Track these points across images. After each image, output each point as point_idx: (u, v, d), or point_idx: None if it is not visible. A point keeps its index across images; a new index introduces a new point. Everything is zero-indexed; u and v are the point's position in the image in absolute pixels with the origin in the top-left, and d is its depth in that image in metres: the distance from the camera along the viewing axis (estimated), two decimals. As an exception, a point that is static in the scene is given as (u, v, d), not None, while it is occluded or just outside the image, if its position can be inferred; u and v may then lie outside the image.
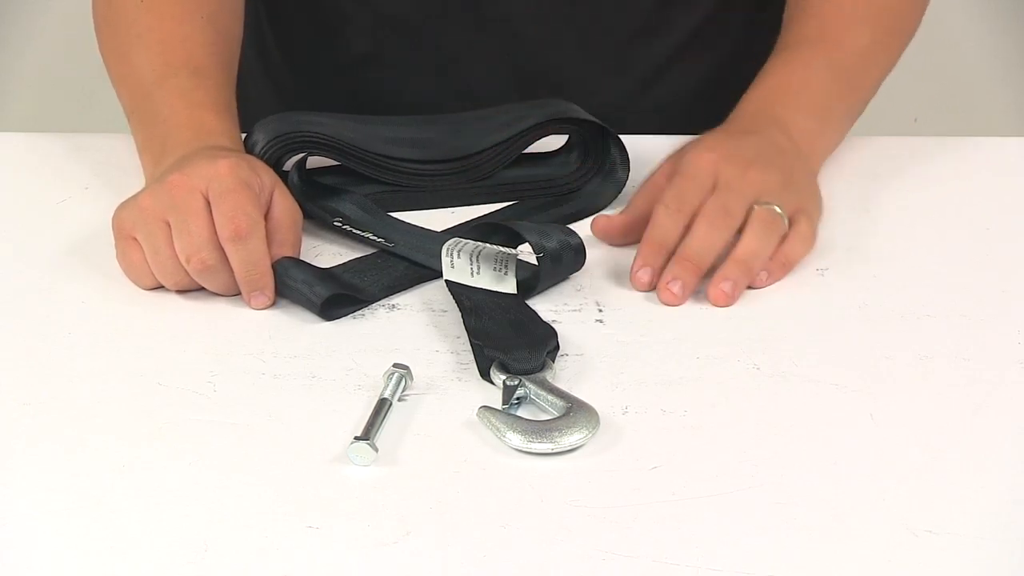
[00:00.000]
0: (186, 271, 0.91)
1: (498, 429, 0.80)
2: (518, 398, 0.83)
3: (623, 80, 1.21)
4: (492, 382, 0.85)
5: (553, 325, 0.89)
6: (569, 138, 1.07)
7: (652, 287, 0.94)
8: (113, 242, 0.94)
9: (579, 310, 0.93)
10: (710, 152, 0.98)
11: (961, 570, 0.72)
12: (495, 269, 0.91)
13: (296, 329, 0.90)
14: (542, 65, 1.18)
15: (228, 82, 1.05)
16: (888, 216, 1.05)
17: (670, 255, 0.95)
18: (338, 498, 0.76)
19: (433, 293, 0.94)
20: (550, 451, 0.79)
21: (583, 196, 1.05)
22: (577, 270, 0.95)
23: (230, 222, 0.90)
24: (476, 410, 0.81)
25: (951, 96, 2.29)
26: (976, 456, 0.80)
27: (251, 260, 0.90)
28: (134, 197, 0.94)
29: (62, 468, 0.78)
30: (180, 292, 0.93)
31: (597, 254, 0.98)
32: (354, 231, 0.98)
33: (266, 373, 0.86)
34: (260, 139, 1.00)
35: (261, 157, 0.98)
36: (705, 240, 0.94)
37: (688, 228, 0.95)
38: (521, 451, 0.79)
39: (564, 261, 0.94)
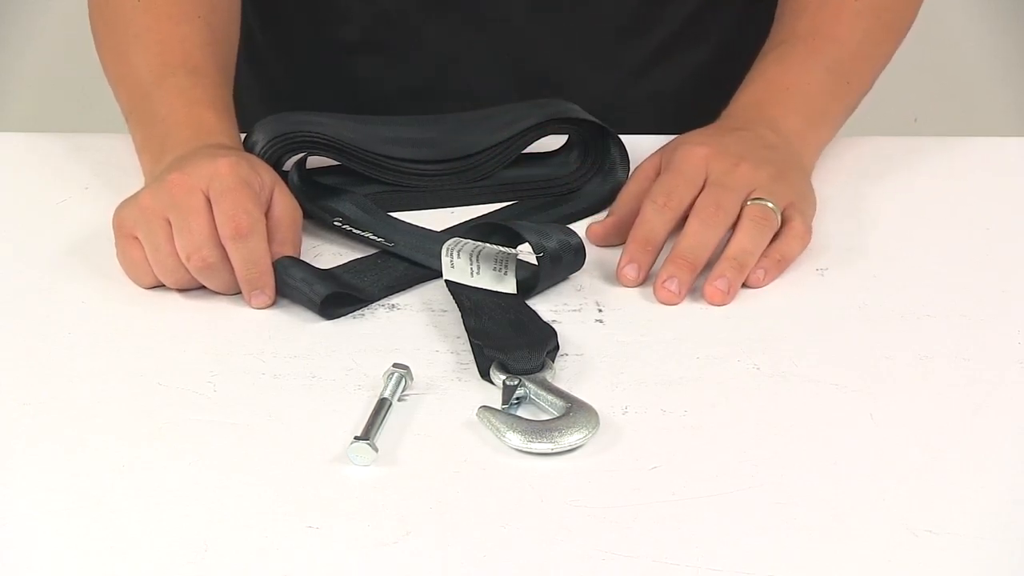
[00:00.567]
0: (187, 269, 0.91)
1: (498, 429, 0.80)
2: (518, 398, 0.83)
3: (614, 74, 1.20)
4: (492, 382, 0.85)
5: (553, 325, 0.89)
6: (569, 138, 1.07)
7: (638, 283, 0.94)
8: (113, 241, 0.94)
9: (579, 310, 0.93)
10: (700, 147, 0.97)
11: (961, 570, 0.72)
12: (495, 269, 0.91)
13: (296, 329, 0.90)
14: (535, 60, 1.18)
15: (226, 81, 1.05)
16: (888, 216, 1.05)
17: (657, 251, 0.95)
18: (338, 498, 0.76)
19: (433, 293, 0.94)
20: (550, 451, 0.79)
21: (583, 196, 1.05)
22: (577, 270, 0.95)
23: (231, 220, 0.90)
24: (476, 410, 0.81)
25: (951, 96, 2.29)
26: (976, 456, 0.80)
27: (252, 259, 0.90)
28: (134, 196, 0.94)
29: (62, 468, 0.78)
30: (180, 291, 0.93)
31: (597, 254, 0.98)
32: (354, 231, 0.98)
33: (266, 373, 0.86)
34: (260, 139, 1.00)
35: (261, 157, 0.98)
36: (698, 238, 0.94)
37: (676, 224, 0.95)
38: (521, 451, 0.79)
39: (564, 261, 0.94)
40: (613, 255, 0.98)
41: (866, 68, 1.11)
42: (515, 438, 0.79)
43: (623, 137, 1.05)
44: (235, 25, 1.11)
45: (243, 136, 1.03)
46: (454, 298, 0.91)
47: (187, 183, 0.91)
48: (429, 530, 0.73)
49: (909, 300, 0.94)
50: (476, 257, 0.91)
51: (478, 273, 0.92)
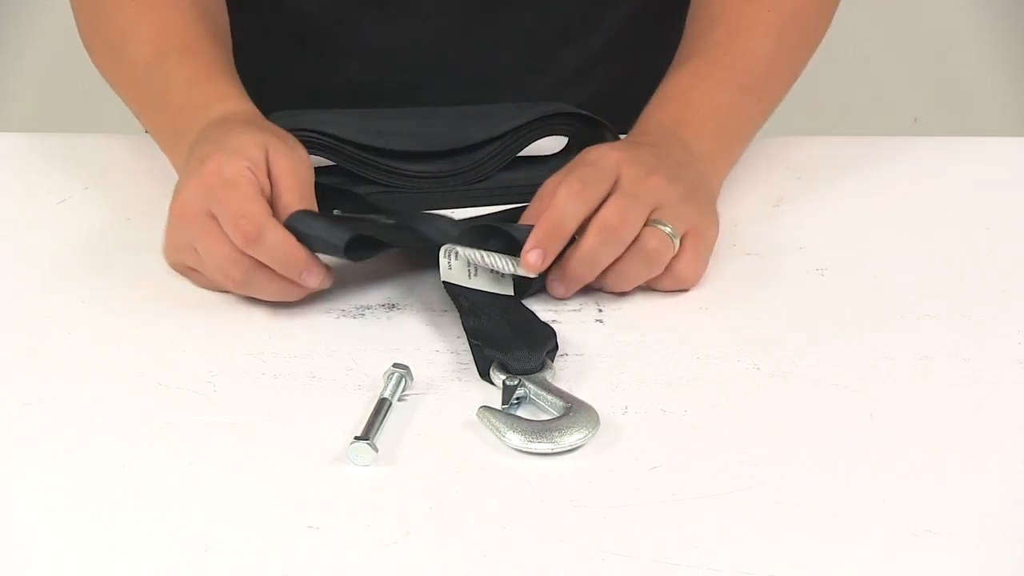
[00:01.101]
0: (278, 247, 0.90)
1: (498, 429, 0.80)
2: (518, 398, 0.83)
3: (551, 78, 1.20)
4: (492, 382, 0.85)
5: (553, 325, 0.89)
6: (569, 141, 1.07)
7: (540, 271, 0.91)
8: (114, 244, 0.94)
9: (579, 310, 0.93)
10: (615, 151, 0.95)
11: (961, 570, 0.72)
12: (492, 271, 0.92)
13: (296, 329, 0.90)
14: (473, 61, 1.18)
15: (218, 48, 1.04)
16: (888, 216, 1.05)
17: (566, 240, 0.91)
18: (338, 498, 0.76)
19: (433, 293, 0.94)
20: (550, 451, 0.79)
21: None
22: None
23: (237, 231, 0.89)
24: (476, 410, 0.81)
25: (951, 96, 2.29)
26: (976, 456, 0.80)
27: (277, 253, 0.89)
28: (165, 231, 0.94)
29: (62, 468, 0.78)
30: (182, 289, 0.93)
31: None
32: (354, 216, 0.97)
33: (266, 373, 0.86)
34: None
35: None
36: (595, 254, 0.91)
37: (588, 216, 0.91)
38: (521, 451, 0.79)
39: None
40: (613, 255, 0.98)
41: (778, 82, 1.08)
42: (515, 438, 0.79)
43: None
44: (224, 13, 1.11)
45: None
46: (452, 299, 0.91)
47: (187, 212, 0.91)
48: (429, 530, 0.73)
49: (909, 300, 0.94)
50: (473, 265, 0.92)
51: (476, 275, 0.92)
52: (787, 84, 1.09)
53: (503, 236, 0.93)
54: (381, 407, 0.81)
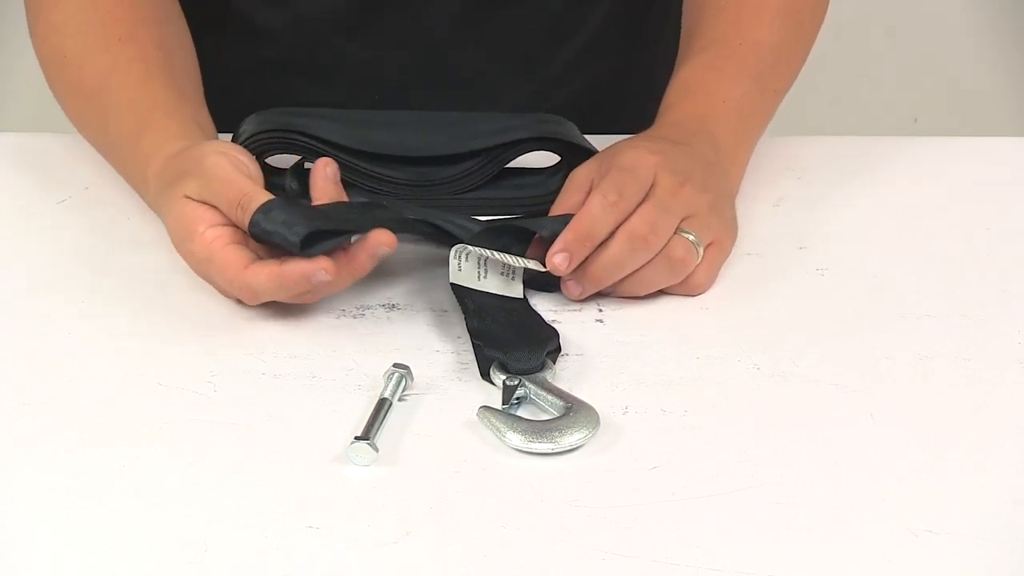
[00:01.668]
0: (270, 290, 0.89)
1: (498, 429, 0.80)
2: (518, 398, 0.84)
3: (536, 80, 1.20)
4: (492, 382, 0.85)
5: (553, 325, 0.90)
6: (560, 160, 1.05)
7: (566, 273, 0.91)
8: (114, 244, 0.94)
9: (579, 310, 0.93)
10: (652, 155, 0.94)
11: (961, 570, 0.72)
12: (502, 274, 0.92)
13: (296, 329, 0.90)
14: (458, 70, 1.17)
15: (173, 74, 1.04)
16: (888, 216, 1.06)
17: (594, 247, 0.91)
18: (338, 498, 0.76)
19: (434, 293, 0.94)
20: (550, 451, 0.79)
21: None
22: None
23: (224, 287, 0.90)
24: (476, 410, 0.81)
25: (951, 96, 2.29)
26: (976, 456, 0.80)
27: (275, 289, 0.88)
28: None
29: (62, 468, 0.78)
30: (190, 288, 0.93)
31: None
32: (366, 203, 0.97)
33: (266, 373, 0.86)
34: (246, 131, 1.00)
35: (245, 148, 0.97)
36: (621, 259, 0.91)
37: (619, 225, 0.91)
38: (521, 451, 0.79)
39: None
40: (613, 255, 0.97)
41: (787, 72, 1.09)
42: (515, 438, 0.79)
43: (599, 138, 1.04)
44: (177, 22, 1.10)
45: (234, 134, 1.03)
46: (458, 301, 0.91)
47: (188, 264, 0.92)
48: (429, 530, 0.73)
49: (909, 300, 0.94)
50: (484, 262, 0.91)
51: (485, 277, 0.92)
52: (793, 75, 1.10)
53: (515, 232, 0.92)
54: (381, 407, 0.81)
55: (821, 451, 0.80)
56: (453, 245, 0.91)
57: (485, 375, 0.85)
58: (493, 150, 1.02)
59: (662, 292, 0.94)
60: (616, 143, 0.98)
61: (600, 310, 0.93)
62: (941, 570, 0.72)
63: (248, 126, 1.01)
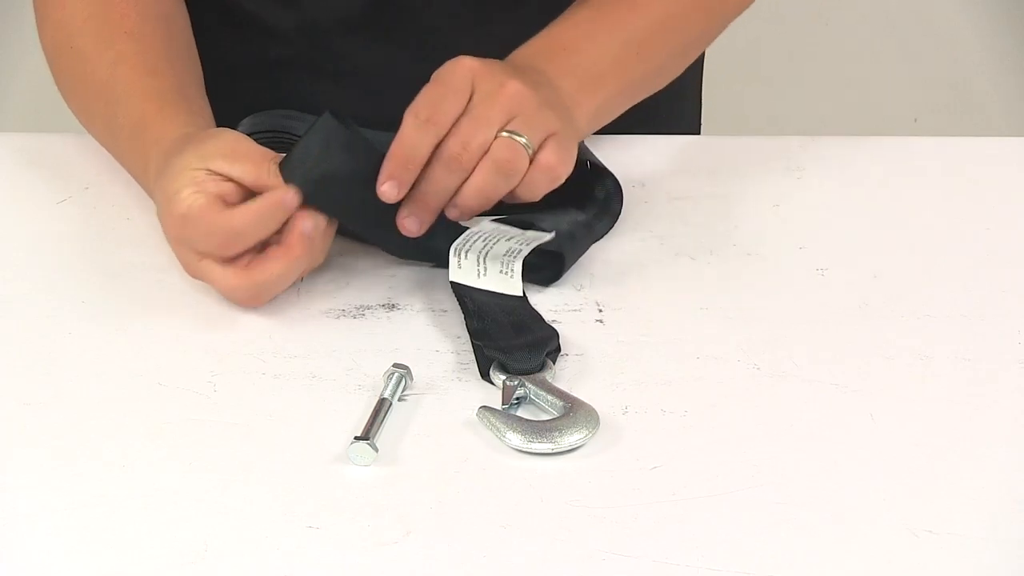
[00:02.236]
0: (280, 278, 0.90)
1: (498, 429, 0.80)
2: (518, 398, 0.83)
3: None
4: (492, 382, 0.85)
5: (553, 325, 0.89)
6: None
7: (397, 200, 0.89)
8: (114, 243, 0.94)
9: (579, 310, 0.93)
10: (468, 61, 0.91)
11: (961, 570, 0.72)
12: (501, 271, 0.92)
13: (296, 329, 0.90)
14: None
15: (173, 71, 1.04)
16: (888, 216, 1.05)
17: (419, 168, 0.89)
18: (338, 498, 0.76)
19: (434, 293, 0.94)
20: (550, 451, 0.79)
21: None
22: (606, 232, 0.96)
23: (228, 295, 0.91)
24: (476, 410, 0.81)
25: (951, 96, 2.29)
26: (976, 456, 0.80)
27: (247, 215, 0.89)
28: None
29: (62, 468, 0.78)
30: (189, 285, 0.93)
31: (598, 254, 0.98)
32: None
33: (266, 373, 0.86)
34: (242, 132, 1.00)
35: None
36: (440, 183, 0.90)
37: (440, 139, 0.89)
38: (521, 451, 0.79)
39: (578, 237, 0.94)
40: (615, 255, 0.98)
41: (666, 43, 1.05)
42: (515, 438, 0.79)
43: (606, 138, 1.03)
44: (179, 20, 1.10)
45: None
46: (458, 301, 0.91)
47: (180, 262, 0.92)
48: (429, 530, 0.73)
49: (909, 300, 0.94)
50: (484, 258, 0.91)
51: (485, 274, 0.92)
52: (677, 47, 1.06)
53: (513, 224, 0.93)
54: (381, 407, 0.81)
55: (821, 451, 0.80)
56: (451, 243, 0.92)
57: (485, 375, 0.85)
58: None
59: (662, 291, 0.94)
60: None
61: (600, 310, 0.93)
62: (941, 570, 0.72)
63: (243, 128, 1.02)
